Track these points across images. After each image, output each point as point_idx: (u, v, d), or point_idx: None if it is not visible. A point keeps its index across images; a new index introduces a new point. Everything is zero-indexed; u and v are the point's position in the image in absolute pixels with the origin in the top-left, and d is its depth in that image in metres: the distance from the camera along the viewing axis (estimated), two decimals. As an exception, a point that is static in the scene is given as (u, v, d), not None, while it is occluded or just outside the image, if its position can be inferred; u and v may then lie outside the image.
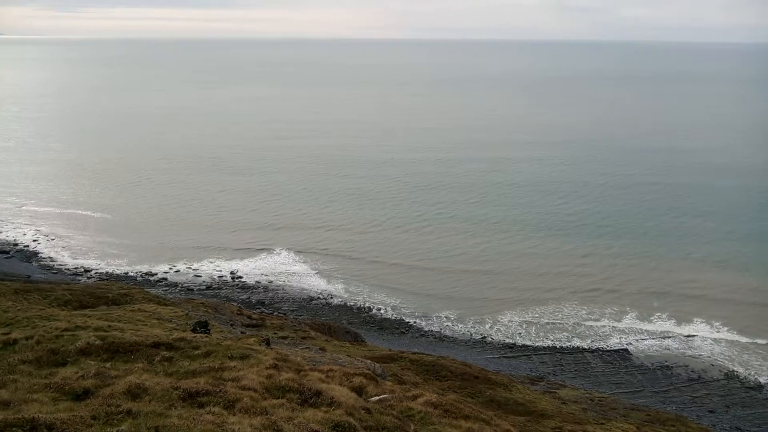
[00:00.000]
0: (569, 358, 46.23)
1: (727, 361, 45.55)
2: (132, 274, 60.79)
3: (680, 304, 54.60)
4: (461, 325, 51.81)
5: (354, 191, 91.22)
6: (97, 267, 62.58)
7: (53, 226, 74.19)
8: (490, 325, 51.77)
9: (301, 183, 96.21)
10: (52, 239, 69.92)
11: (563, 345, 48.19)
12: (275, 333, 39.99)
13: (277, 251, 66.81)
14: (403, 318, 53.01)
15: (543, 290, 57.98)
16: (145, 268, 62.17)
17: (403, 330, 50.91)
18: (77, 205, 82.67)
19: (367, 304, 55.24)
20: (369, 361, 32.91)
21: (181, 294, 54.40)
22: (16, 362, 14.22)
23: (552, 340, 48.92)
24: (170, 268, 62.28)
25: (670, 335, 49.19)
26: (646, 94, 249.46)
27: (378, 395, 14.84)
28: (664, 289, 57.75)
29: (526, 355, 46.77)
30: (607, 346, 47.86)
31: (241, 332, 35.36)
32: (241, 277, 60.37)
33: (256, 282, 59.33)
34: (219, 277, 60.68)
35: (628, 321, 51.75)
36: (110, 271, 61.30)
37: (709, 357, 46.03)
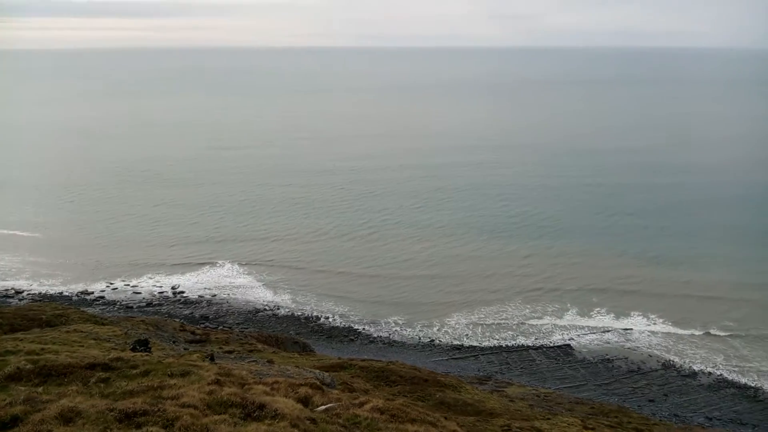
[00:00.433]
0: (515, 356, 47.19)
1: (663, 352, 47.56)
2: (67, 294, 58.21)
3: (618, 300, 56.67)
4: (410, 330, 52.08)
5: (298, 201, 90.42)
6: (29, 288, 59.60)
7: (-22, 248, 70.29)
8: (437, 327, 52.28)
9: (242, 194, 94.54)
10: (-22, 262, 66.19)
11: (509, 344, 49.19)
12: (220, 348, 39.08)
13: (220, 264, 65.45)
14: (352, 325, 52.83)
15: (488, 291, 59.04)
16: (80, 288, 59.65)
17: (352, 337, 50.72)
18: (6, 225, 78.51)
19: (314, 314, 54.78)
20: (318, 371, 32.59)
21: (119, 312, 52.43)
22: (-65, 393, 13.31)
23: (498, 340, 49.85)
24: (107, 286, 60.00)
25: (610, 329, 51.00)
26: (581, 98, 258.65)
27: (324, 404, 14.68)
28: (602, 286, 59.82)
29: (474, 356, 47.43)
30: (551, 342, 49.19)
31: (184, 349, 34.36)
32: (183, 292, 58.74)
33: (199, 296, 57.89)
34: (159, 293, 58.85)
35: (570, 317, 53.36)
36: (44, 292, 58.48)
37: (647, 348, 47.95)
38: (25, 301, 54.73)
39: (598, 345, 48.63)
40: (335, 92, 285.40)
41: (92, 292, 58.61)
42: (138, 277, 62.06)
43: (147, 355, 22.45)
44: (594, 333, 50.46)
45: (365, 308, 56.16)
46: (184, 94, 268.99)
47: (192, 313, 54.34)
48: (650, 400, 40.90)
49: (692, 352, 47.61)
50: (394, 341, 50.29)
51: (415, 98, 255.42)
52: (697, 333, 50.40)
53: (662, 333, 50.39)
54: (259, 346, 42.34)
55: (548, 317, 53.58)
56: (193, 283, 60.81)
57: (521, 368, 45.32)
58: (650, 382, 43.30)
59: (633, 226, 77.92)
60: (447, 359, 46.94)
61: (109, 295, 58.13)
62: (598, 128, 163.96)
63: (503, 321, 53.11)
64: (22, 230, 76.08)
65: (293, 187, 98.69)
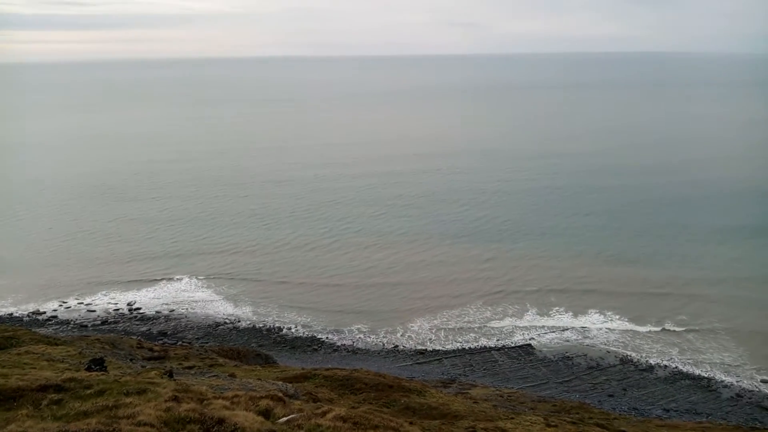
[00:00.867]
0: (478, 358, 47.66)
1: (621, 348, 48.78)
2: (18, 314, 56.02)
3: (577, 299, 57.91)
4: (374, 337, 52.04)
5: (257, 211, 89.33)
6: (-24, 311, 57.19)
7: None
8: (401, 333, 52.40)
9: (198, 206, 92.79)
10: None
11: (472, 346, 49.65)
12: (180, 364, 38.27)
13: (178, 279, 64.10)
14: (315, 335, 52.43)
15: (451, 296, 59.46)
16: (32, 308, 57.51)
17: (316, 347, 50.33)
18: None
19: (276, 325, 54.16)
20: (281, 383, 32.27)
21: (74, 332, 50.75)
22: None
23: (461, 343, 50.27)
24: (60, 305, 58.02)
25: (569, 328, 52.04)
26: (535, 103, 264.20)
27: (286, 416, 14.51)
28: (562, 286, 61.04)
29: (438, 360, 47.68)
30: (512, 343, 49.88)
31: (142, 366, 33.53)
32: (139, 309, 57.25)
33: (157, 312, 56.50)
34: (115, 310, 57.22)
35: (530, 318, 54.24)
36: (-8, 314, 56.19)
37: (605, 345, 49.11)
38: (-29, 324, 52.44)
39: (558, 343, 49.57)
40: (288, 101, 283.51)
41: (44, 312, 56.59)
42: (92, 295, 60.24)
43: (103, 374, 21.85)
44: (554, 332, 51.41)
45: (328, 317, 55.84)
46: (134, 107, 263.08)
47: (149, 329, 53.01)
48: (610, 395, 41.86)
49: (648, 346, 48.99)
50: (359, 349, 50.14)
51: (372, 106, 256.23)
52: (652, 328, 51.87)
53: (619, 330, 51.68)
54: (220, 360, 41.64)
55: (509, 318, 54.34)
56: (150, 298, 59.36)
57: (484, 369, 45.79)
58: (609, 378, 44.34)
59: (590, 226, 79.87)
60: (411, 364, 47.06)
61: (63, 315, 56.21)
62: (554, 132, 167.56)
63: (466, 324, 53.59)
64: (-33, 251, 73.13)
65: (251, 197, 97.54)
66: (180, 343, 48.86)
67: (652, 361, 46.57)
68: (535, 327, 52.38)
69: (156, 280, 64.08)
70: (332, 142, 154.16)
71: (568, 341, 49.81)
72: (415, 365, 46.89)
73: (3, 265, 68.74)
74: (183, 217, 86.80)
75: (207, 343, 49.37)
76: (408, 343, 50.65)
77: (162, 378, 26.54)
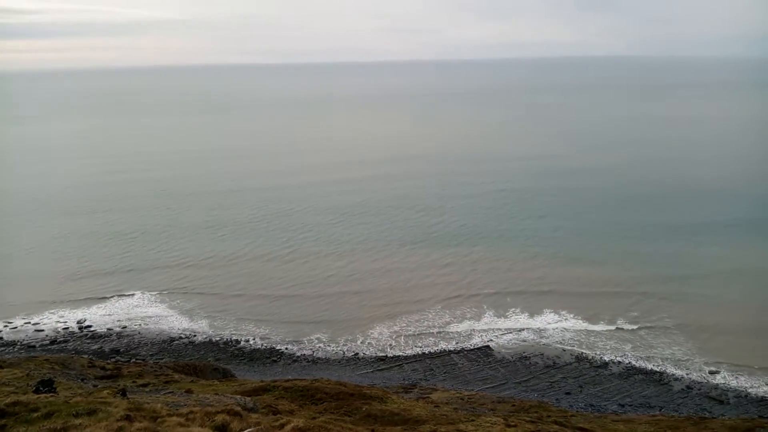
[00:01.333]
0: (438, 362, 47.92)
1: (576, 346, 49.86)
2: (-43, 339, 53.37)
3: (533, 300, 58.95)
4: (333, 345, 51.70)
5: (211, 223, 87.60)
6: None
7: None
8: (361, 341, 52.24)
9: (149, 219, 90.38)
10: None
11: (431, 350, 49.91)
12: (134, 381, 37.20)
13: (130, 294, 62.27)
14: (274, 346, 51.74)
15: (410, 302, 59.59)
16: (-28, 331, 54.89)
17: (275, 358, 49.66)
18: None
19: (234, 337, 53.19)
20: (239, 396, 31.73)
21: (20, 353, 48.62)
22: None
23: (421, 347, 50.47)
24: (5, 326, 55.50)
25: (526, 328, 52.86)
26: (490, 107, 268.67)
27: (242, 430, 14.27)
28: (519, 288, 62.03)
29: (398, 365, 47.72)
30: (471, 345, 50.38)
31: (94, 386, 32.44)
32: (90, 326, 55.32)
33: (108, 329, 54.70)
34: (64, 329, 55.10)
35: (488, 320, 54.92)
36: (-71, 340, 53.33)
37: (561, 344, 50.12)
38: None
39: (515, 344, 50.32)
40: (238, 109, 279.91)
41: (-13, 335, 54.09)
42: (39, 314, 57.83)
43: (52, 396, 21.04)
44: (511, 333, 52.16)
45: (287, 328, 55.19)
46: (75, 118, 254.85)
47: (101, 347, 51.29)
48: (567, 393, 42.69)
49: (603, 344, 50.24)
50: (319, 358, 49.73)
51: (323, 113, 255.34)
52: (606, 326, 53.20)
53: (575, 329, 52.81)
54: (176, 376, 40.65)
55: (468, 321, 54.87)
56: (101, 315, 57.44)
57: (445, 373, 46.06)
58: (566, 376, 45.24)
59: (545, 228, 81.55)
60: (372, 371, 46.94)
61: (8, 335, 53.79)
62: (504, 136, 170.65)
63: (425, 329, 53.85)
64: None
65: (204, 209, 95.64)
66: (134, 360, 47.45)
67: (606, 358, 47.78)
68: (493, 329, 53.05)
69: (107, 296, 62.04)
70: (285, 150, 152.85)
71: (525, 341, 50.64)
72: (376, 372, 46.80)
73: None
74: (132, 231, 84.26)
75: (162, 359, 48.09)
76: (368, 350, 50.54)
77: (114, 397, 25.78)
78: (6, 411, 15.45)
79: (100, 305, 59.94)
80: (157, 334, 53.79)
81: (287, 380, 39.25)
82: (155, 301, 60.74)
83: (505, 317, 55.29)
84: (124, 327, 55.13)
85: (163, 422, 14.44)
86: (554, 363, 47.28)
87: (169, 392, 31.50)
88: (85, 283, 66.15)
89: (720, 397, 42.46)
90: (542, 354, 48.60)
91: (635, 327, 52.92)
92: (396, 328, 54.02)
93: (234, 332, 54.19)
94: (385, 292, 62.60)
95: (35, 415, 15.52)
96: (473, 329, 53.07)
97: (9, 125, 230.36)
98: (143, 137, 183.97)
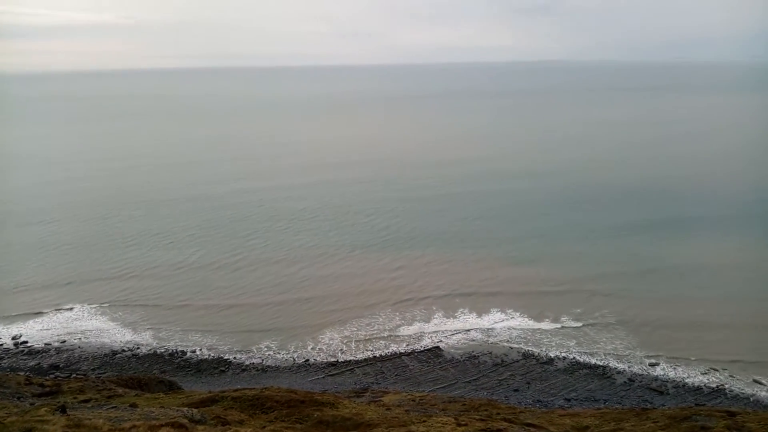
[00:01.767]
0: (389, 364, 48.04)
1: (523, 344, 50.93)
2: None
3: (481, 300, 59.89)
4: (283, 353, 51.08)
5: (156, 231, 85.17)
6: None
7: None
8: (312, 347, 51.80)
9: (87, 229, 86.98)
10: None
11: (382, 353, 49.97)
12: (75, 397, 35.72)
13: (69, 308, 59.77)
14: (222, 356, 50.69)
15: (362, 307, 59.46)
16: None
17: (223, 368, 48.67)
18: None
19: (180, 348, 51.80)
20: (186, 408, 30.94)
21: (-52, 375, 45.95)
22: None
23: (371, 351, 50.47)
24: (-68, 347, 52.46)
25: (474, 328, 53.65)
26: (435, 111, 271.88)
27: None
28: (468, 290, 62.84)
29: (350, 370, 47.58)
30: (421, 346, 50.72)
31: (31, 404, 31.01)
32: (26, 342, 52.78)
33: (46, 345, 52.35)
34: (-2, 346, 52.52)
35: (438, 321, 55.45)
36: None
37: (508, 342, 51.09)
38: None
39: (464, 344, 50.98)
40: (177, 115, 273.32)
41: None
42: (-31, 332, 54.95)
43: (-18, 416, 20.02)
44: (460, 333, 52.80)
45: (235, 337, 54.12)
46: (15, 125, 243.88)
47: (39, 363, 49.06)
48: (515, 390, 43.52)
49: (548, 340, 51.50)
50: (268, 366, 49.02)
51: (268, 118, 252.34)
52: (552, 324, 54.57)
53: (521, 327, 53.93)
54: (120, 390, 39.28)
55: (418, 323, 55.23)
56: (38, 330, 54.88)
57: (396, 375, 46.21)
58: (514, 373, 46.14)
59: (493, 229, 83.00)
60: (323, 377, 46.65)
61: (-66, 357, 50.87)
62: (449, 139, 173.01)
63: (376, 332, 53.89)
64: None
65: (148, 217, 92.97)
66: (74, 375, 45.66)
67: (552, 354, 48.99)
68: (443, 330, 53.59)
69: (44, 311, 59.31)
70: (229, 156, 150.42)
71: (474, 341, 51.37)
72: (327, 377, 46.52)
73: None
74: (71, 242, 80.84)
75: (104, 373, 46.41)
76: (319, 356, 50.18)
77: (53, 414, 24.78)
78: (-70, 432, 14.57)
79: (36, 320, 57.29)
80: (99, 348, 51.86)
81: (236, 390, 38.48)
82: (96, 314, 58.54)
83: (455, 318, 55.98)
84: (63, 341, 52.91)
85: (101, 435, 13.89)
86: (502, 361, 48.17)
87: (113, 407, 30.48)
88: (21, 297, 63.08)
89: (660, 387, 44.17)
90: (491, 353, 49.43)
91: (579, 324, 54.48)
92: (347, 333, 53.86)
93: (180, 343, 52.79)
94: (336, 297, 62.27)
95: (-37, 435, 14.69)
96: (423, 331, 53.50)
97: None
98: (78, 144, 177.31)
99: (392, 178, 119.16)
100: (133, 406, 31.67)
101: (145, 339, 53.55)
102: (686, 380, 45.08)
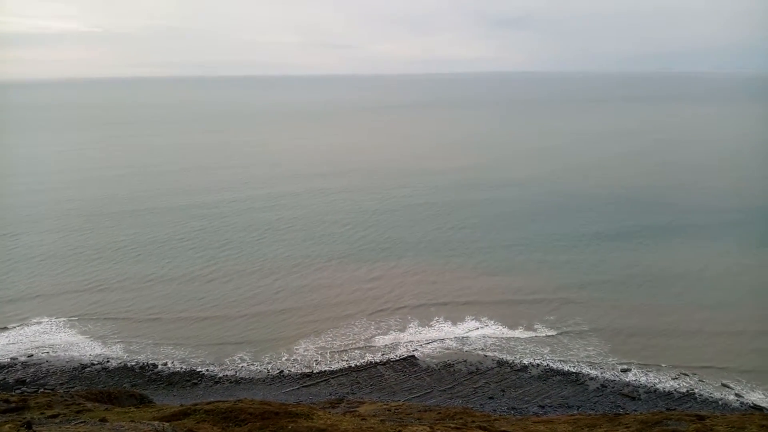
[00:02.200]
0: (364, 374, 47.81)
1: (497, 352, 51.17)
2: None
3: (456, 309, 60.13)
4: (257, 364, 50.48)
5: (126, 243, 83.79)
6: None
7: None
8: (286, 358, 51.31)
9: (53, 241, 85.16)
10: None
11: (357, 363, 49.74)
12: (42, 413, 34.88)
13: (36, 322, 58.30)
14: (195, 368, 49.86)
15: (337, 318, 59.17)
16: None
17: (196, 381, 47.89)
18: None
19: (151, 361, 50.85)
20: (157, 422, 30.42)
21: None
22: None
23: (347, 361, 50.20)
24: None
25: (449, 337, 53.76)
26: (410, 120, 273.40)
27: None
28: (443, 299, 63.03)
29: (325, 380, 47.22)
30: (397, 356, 50.62)
31: (-6, 420, 30.17)
32: (-9, 358, 51.44)
33: (12, 359, 50.90)
34: (-38, 362, 50.95)
35: (413, 330, 55.46)
36: None
37: (483, 350, 51.29)
38: None
39: (439, 352, 51.05)
40: (152, 124, 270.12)
41: None
42: (-69, 349, 53.23)
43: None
44: (435, 342, 52.89)
45: (208, 350, 53.30)
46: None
47: (5, 378, 47.65)
48: (490, 398, 43.64)
49: (522, 348, 51.85)
50: (242, 378, 48.37)
51: (242, 128, 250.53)
52: (526, 332, 54.99)
53: (496, 335, 54.24)
54: (89, 405, 38.43)
55: (393, 333, 55.16)
56: (4, 345, 53.31)
57: (371, 385, 45.98)
58: (488, 381, 46.29)
59: (467, 239, 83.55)
60: (298, 388, 46.20)
61: None
62: (423, 149, 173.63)
63: (351, 342, 53.63)
64: None
65: (117, 228, 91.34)
66: (42, 390, 44.39)
67: (526, 362, 49.31)
68: (418, 339, 53.60)
69: (10, 325, 57.71)
70: (200, 166, 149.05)
71: (449, 349, 51.46)
72: (302, 388, 46.09)
73: None
74: (39, 254, 79.08)
75: (73, 387, 45.31)
76: (294, 367, 49.70)
77: (18, 431, 24.27)
78: None
79: (2, 334, 55.69)
80: (67, 362, 50.63)
81: (209, 403, 37.92)
82: (65, 328, 57.20)
83: (430, 327, 56.04)
84: (30, 356, 51.54)
85: (66, 446, 13.58)
86: (477, 369, 48.31)
87: (81, 422, 29.81)
88: (-15, 311, 61.51)
89: (632, 393, 44.72)
90: (465, 361, 49.55)
91: (553, 332, 54.98)
92: (322, 344, 53.49)
93: (151, 356, 51.81)
94: (311, 308, 61.80)
95: None
96: (399, 341, 53.42)
97: None
98: (43, 155, 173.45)
99: (366, 188, 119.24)
100: (103, 420, 31.03)
101: (115, 352, 52.46)
102: (657, 386, 45.72)
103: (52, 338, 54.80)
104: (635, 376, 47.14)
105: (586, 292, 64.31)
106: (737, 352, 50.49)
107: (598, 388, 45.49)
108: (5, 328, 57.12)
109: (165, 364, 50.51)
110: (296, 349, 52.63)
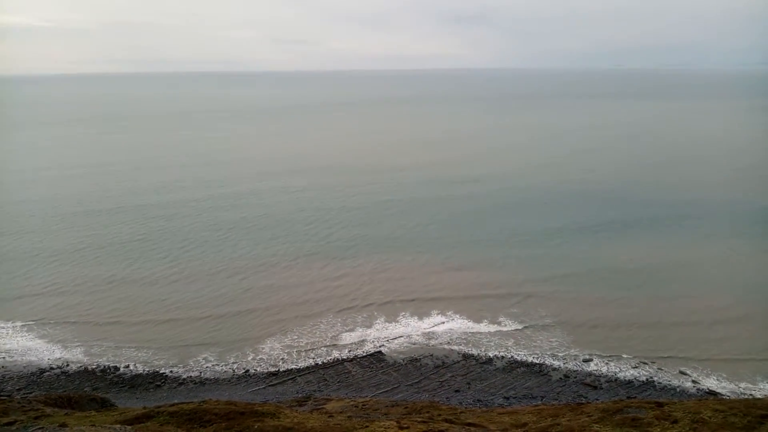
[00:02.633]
0: (331, 371, 47.73)
1: (463, 345, 51.70)
2: None
3: (423, 305, 60.47)
4: (222, 365, 49.88)
5: (83, 245, 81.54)
6: None
7: None
8: (252, 357, 50.83)
9: (7, 243, 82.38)
10: None
11: (324, 360, 49.62)
12: (-4, 421, 33.79)
13: (-12, 326, 56.51)
14: (158, 370, 48.99)
15: (304, 316, 58.80)
16: None
17: (159, 383, 47.05)
18: None
19: (112, 365, 49.71)
20: (119, 426, 29.87)
21: None
22: None
23: (313, 358, 50.02)
24: None
25: (416, 332, 54.08)
26: (369, 116, 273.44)
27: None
28: (410, 296, 63.27)
29: (292, 379, 46.97)
30: (364, 352, 50.68)
31: (-54, 429, 29.17)
32: (-57, 365, 49.57)
33: (-34, 366, 49.35)
34: None
35: (380, 326, 55.58)
36: None
37: (449, 344, 51.76)
38: None
39: (406, 347, 51.30)
40: (105, 121, 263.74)
41: None
42: None
43: None
44: (402, 337, 53.13)
45: (171, 352, 52.32)
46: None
47: (-43, 387, 46.12)
48: (456, 391, 44.07)
49: (487, 341, 52.50)
50: (207, 379, 47.72)
51: (203, 125, 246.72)
52: (491, 325, 55.69)
53: (461, 329, 54.78)
54: (48, 410, 37.37)
55: (360, 329, 55.17)
56: (-46, 352, 51.64)
57: (338, 382, 45.95)
58: (455, 374, 46.73)
59: (432, 236, 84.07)
60: (264, 387, 45.83)
61: None
62: (385, 146, 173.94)
63: (318, 340, 53.46)
64: None
65: (75, 229, 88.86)
66: (-4, 397, 43.05)
67: (491, 354, 49.96)
68: (385, 335, 53.77)
69: (-38, 331, 55.92)
70: (159, 164, 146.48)
71: (415, 344, 51.78)
72: (269, 387, 45.75)
73: None
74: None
75: (31, 393, 43.98)
76: (260, 366, 49.27)
77: (-30, 439, 23.51)
78: None
79: (-48, 341, 53.87)
80: (25, 367, 49.15)
81: (173, 405, 37.31)
82: (22, 332, 55.46)
83: (397, 323, 56.26)
84: (-16, 362, 49.94)
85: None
86: (443, 363, 48.73)
87: (40, 428, 29.08)
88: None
89: (594, 383, 45.72)
90: (432, 355, 49.93)
91: (518, 324, 55.82)
92: (288, 342, 53.17)
93: (112, 359, 50.66)
94: (278, 308, 61.22)
95: None
96: (366, 337, 53.48)
97: None
98: (7, 153, 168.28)
99: (331, 185, 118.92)
100: (63, 425, 30.29)
101: (75, 356, 51.17)
102: (618, 375, 46.85)
103: (8, 343, 53.09)
104: (597, 366, 48.20)
105: (550, 285, 65.44)
106: (694, 342, 52.09)
107: (561, 378, 46.37)
108: (-41, 334, 55.20)
109: (127, 366, 49.50)
110: (262, 348, 52.20)
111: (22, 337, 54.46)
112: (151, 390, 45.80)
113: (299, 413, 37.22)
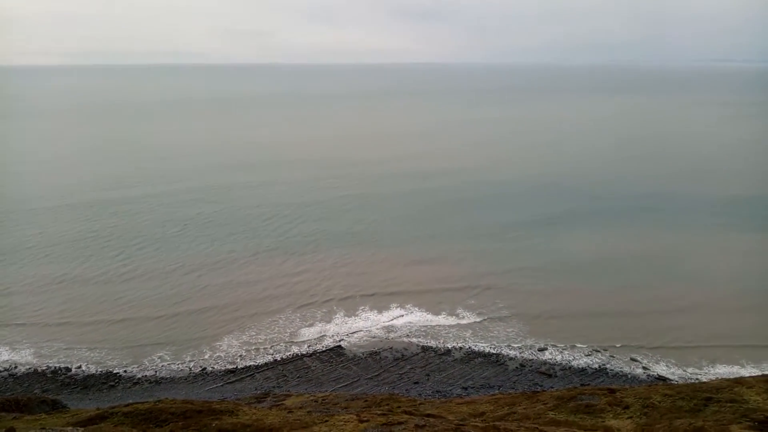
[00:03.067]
0: (291, 367, 47.49)
1: (422, 337, 52.18)
2: None
3: (383, 299, 60.76)
4: (178, 363, 48.99)
5: (30, 243, 78.58)
6: None
7: None
8: (209, 355, 50.10)
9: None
10: None
11: (283, 356, 49.32)
12: (-62, 427, 32.47)
13: (-74, 330, 53.99)
14: (111, 370, 47.79)
15: (263, 313, 58.20)
16: None
17: (113, 383, 45.92)
18: None
19: (63, 365, 48.26)
20: (71, 428, 29.11)
21: None
22: None
23: (272, 354, 49.66)
24: None
25: (375, 326, 54.29)
26: (325, 110, 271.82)
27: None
28: (370, 290, 63.41)
29: (250, 375, 46.52)
30: (323, 347, 50.61)
31: None
32: None
33: None
34: None
35: (339, 321, 55.57)
36: None
37: (408, 336, 52.18)
38: None
39: (366, 341, 51.46)
40: (51, 115, 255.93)
41: None
42: None
43: None
44: (362, 331, 53.26)
45: (125, 351, 51.07)
46: None
47: None
48: (415, 383, 44.47)
49: (446, 333, 53.12)
50: (163, 378, 46.81)
51: (152, 119, 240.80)
52: (449, 317, 56.38)
53: (420, 322, 55.27)
54: (-6, 414, 36.10)
55: (320, 324, 55.03)
56: None
57: (298, 378, 45.76)
58: (414, 366, 47.13)
59: (394, 230, 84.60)
60: (222, 385, 45.26)
61: None
62: (344, 140, 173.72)
63: (277, 336, 53.03)
64: None
65: (22, 227, 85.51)
66: (-62, 403, 41.21)
67: (449, 345, 50.58)
68: (345, 330, 53.79)
69: None
70: (109, 158, 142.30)
71: (375, 338, 51.98)
72: (227, 385, 45.20)
73: None
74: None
75: (-25, 398, 42.33)
76: (217, 364, 48.61)
77: None
78: None
79: None
80: (-33, 371, 47.29)
81: (127, 405, 36.48)
82: (-36, 335, 53.33)
83: (357, 317, 56.34)
84: (-77, 368, 47.73)
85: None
86: (402, 355, 49.07)
87: (-15, 433, 28.08)
88: None
89: (548, 371, 46.81)
90: (391, 348, 50.21)
91: (475, 316, 56.65)
92: (246, 339, 52.59)
93: (63, 360, 49.16)
94: (236, 305, 60.33)
95: None
96: (325, 332, 53.38)
97: None
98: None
99: (289, 180, 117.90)
100: (11, 430, 29.33)
101: (24, 357, 49.43)
102: (572, 363, 48.08)
103: (-51, 347, 50.93)
104: (552, 355, 49.34)
105: (507, 278, 66.55)
106: (646, 331, 53.83)
107: (517, 367, 47.29)
108: None
109: (79, 367, 48.11)
110: (219, 345, 51.50)
111: (-37, 340, 52.26)
112: (105, 390, 44.68)
113: (258, 410, 36.89)
